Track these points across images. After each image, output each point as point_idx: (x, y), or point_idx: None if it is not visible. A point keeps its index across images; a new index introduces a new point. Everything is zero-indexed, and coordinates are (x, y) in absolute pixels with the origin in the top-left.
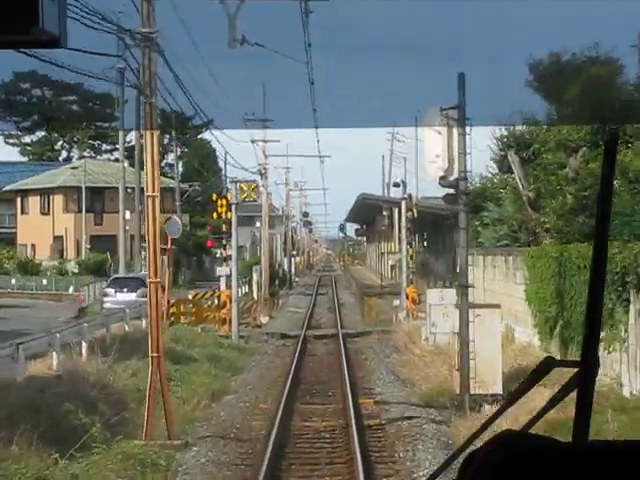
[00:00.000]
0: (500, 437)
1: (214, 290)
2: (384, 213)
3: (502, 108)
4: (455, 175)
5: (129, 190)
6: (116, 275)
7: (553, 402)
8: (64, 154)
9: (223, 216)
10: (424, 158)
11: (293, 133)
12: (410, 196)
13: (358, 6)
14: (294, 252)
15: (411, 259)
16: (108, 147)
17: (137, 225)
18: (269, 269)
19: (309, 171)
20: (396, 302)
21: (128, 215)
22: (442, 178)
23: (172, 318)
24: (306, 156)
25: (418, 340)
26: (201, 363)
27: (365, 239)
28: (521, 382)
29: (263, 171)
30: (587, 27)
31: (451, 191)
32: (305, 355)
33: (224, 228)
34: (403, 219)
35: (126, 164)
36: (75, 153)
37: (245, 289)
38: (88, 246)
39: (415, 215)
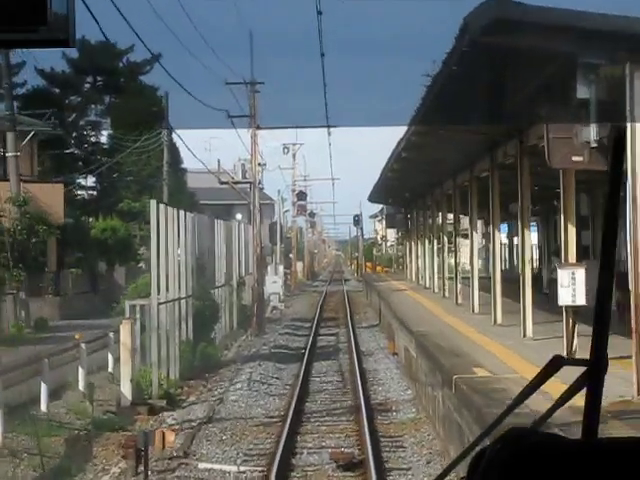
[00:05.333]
0: (509, 434)
1: None
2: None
3: None
4: None
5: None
6: None
7: (562, 400)
8: None
9: None
10: None
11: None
12: None
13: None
14: (291, 256)
15: None
16: None
17: None
18: (197, 302)
19: (312, 170)
20: None
21: None
22: None
23: None
24: None
25: None
26: None
27: (398, 233)
28: (530, 381)
29: None
30: None
31: None
32: None
33: None
34: None
35: None
36: None
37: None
38: None
39: None
